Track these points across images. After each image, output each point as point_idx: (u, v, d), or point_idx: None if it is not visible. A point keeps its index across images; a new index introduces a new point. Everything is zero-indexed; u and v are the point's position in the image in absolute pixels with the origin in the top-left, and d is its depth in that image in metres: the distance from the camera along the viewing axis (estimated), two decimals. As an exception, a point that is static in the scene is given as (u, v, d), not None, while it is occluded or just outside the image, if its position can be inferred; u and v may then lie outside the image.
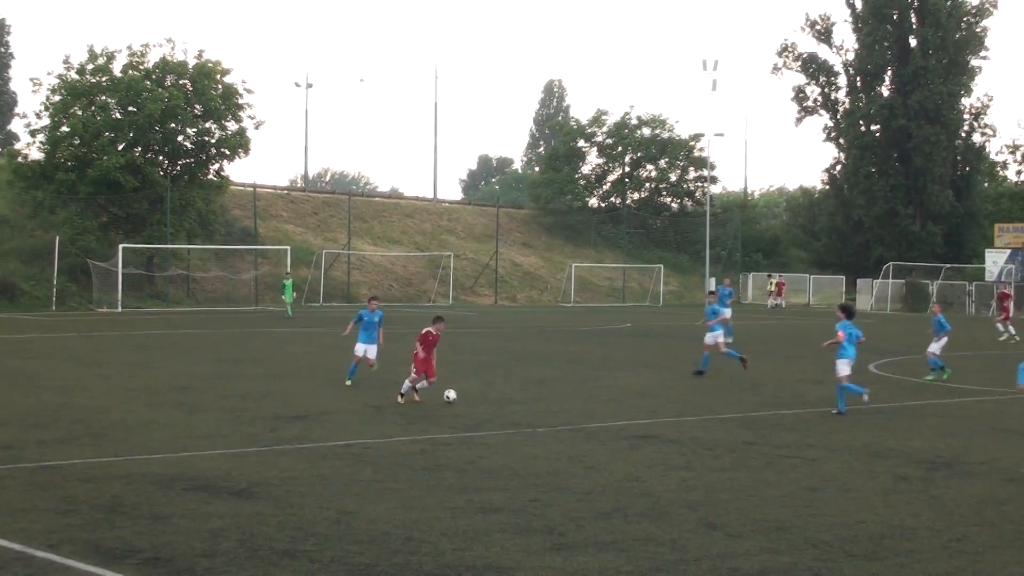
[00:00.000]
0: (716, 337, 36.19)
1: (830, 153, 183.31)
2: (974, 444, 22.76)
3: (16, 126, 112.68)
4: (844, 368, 27.28)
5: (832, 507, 16.87)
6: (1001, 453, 22.02)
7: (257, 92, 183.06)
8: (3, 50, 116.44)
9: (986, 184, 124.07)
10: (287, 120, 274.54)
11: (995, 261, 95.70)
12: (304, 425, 24.19)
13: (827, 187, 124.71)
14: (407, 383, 28.35)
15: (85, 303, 71.24)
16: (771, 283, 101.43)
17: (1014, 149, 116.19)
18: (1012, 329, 55.82)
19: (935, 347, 37.96)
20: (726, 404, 29.03)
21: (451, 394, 28.16)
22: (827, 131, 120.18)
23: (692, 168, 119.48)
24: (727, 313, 43.71)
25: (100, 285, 71.66)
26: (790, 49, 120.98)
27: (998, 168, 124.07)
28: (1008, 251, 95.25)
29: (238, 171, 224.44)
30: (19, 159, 77.35)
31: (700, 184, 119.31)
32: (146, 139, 76.37)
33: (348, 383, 31.41)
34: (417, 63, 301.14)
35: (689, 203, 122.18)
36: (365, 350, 32.08)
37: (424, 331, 28.46)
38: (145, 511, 15.84)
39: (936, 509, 16.88)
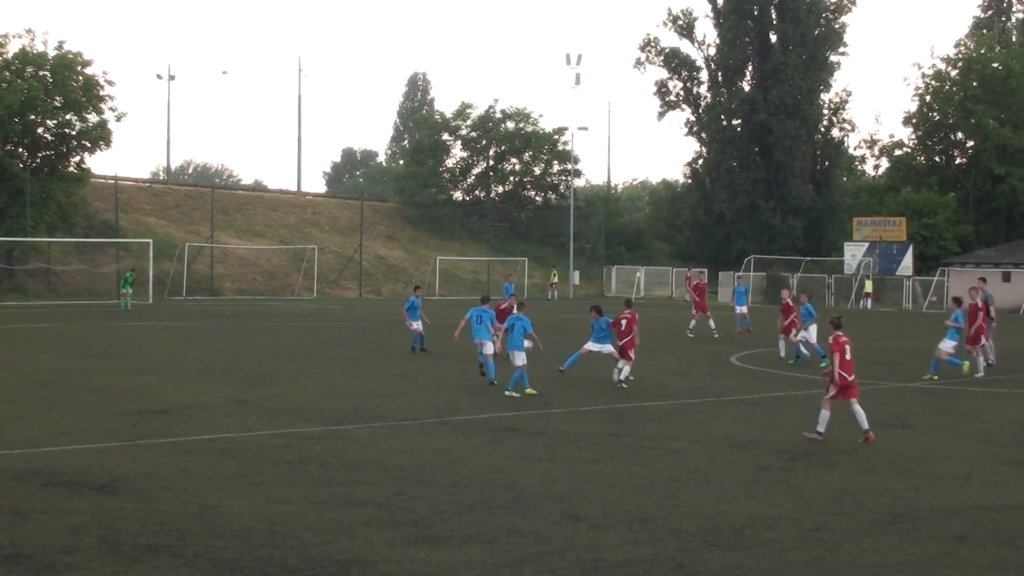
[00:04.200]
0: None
1: (692, 147, 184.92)
2: (832, 435, 23.07)
3: None
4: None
5: (694, 498, 17.06)
6: (858, 443, 22.37)
7: (119, 84, 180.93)
8: None
9: (845, 178, 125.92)
10: (149, 112, 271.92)
11: (853, 255, 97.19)
12: (167, 419, 23.99)
13: (689, 181, 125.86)
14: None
15: (-58, 297, 70.11)
16: (553, 275, 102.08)
17: (872, 143, 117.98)
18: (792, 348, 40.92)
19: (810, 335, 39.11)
20: (590, 397, 29.21)
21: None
22: (689, 125, 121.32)
23: (556, 162, 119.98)
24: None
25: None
26: (652, 44, 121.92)
27: (856, 163, 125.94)
28: (866, 244, 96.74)
29: (99, 164, 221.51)
30: None
31: (564, 177, 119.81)
32: (5, 131, 75.18)
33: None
34: (280, 55, 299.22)
35: (553, 196, 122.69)
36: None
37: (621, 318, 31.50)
38: (5, 507, 15.63)
39: (796, 499, 17.14)
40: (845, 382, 22.73)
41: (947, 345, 35.48)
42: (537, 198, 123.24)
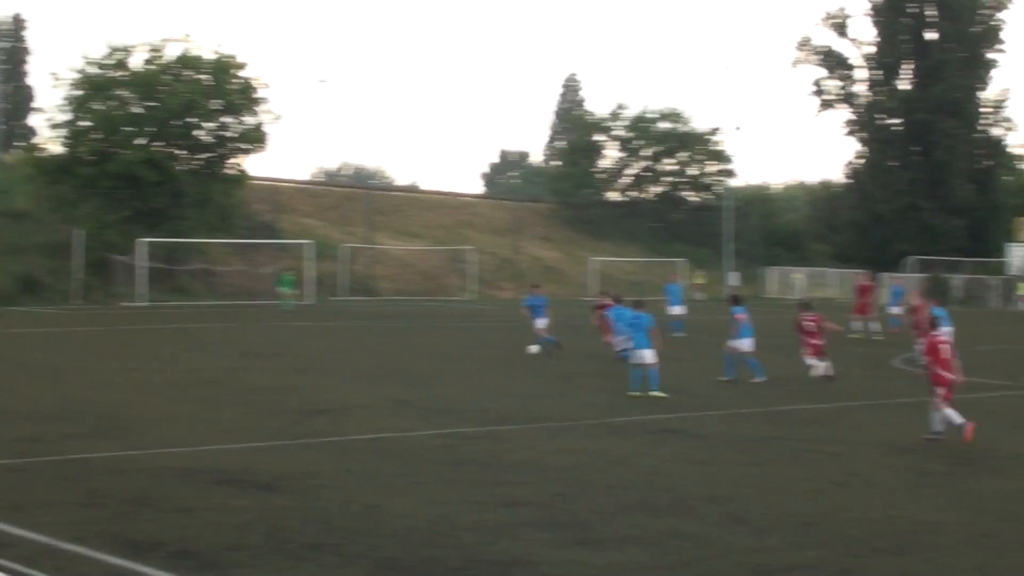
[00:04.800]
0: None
1: (850, 146, 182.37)
2: (1000, 439, 22.67)
3: (35, 120, 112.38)
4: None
5: (859, 502, 16.83)
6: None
7: (277, 86, 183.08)
8: (19, 45, 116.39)
9: (1010, 177, 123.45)
10: (307, 114, 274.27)
11: (1019, 255, 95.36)
12: (328, 419, 24.22)
13: (848, 181, 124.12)
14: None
15: (107, 297, 71.39)
16: (698, 275, 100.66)
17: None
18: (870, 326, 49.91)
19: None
20: (749, 398, 28.99)
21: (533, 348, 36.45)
22: (847, 124, 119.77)
23: (712, 162, 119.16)
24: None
25: (122, 279, 71.74)
26: (808, 43, 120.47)
27: (1015, 161, 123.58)
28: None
29: (259, 165, 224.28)
30: (39, 153, 77.38)
31: (720, 178, 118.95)
32: (165, 134, 76.43)
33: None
34: (438, 57, 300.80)
35: (709, 197, 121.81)
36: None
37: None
38: (172, 504, 15.88)
39: (962, 504, 16.84)
40: (946, 380, 22.38)
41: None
42: (693, 198, 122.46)
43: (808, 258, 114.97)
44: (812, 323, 32.29)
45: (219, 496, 16.50)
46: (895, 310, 53.96)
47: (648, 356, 29.04)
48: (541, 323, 40.48)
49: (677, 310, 51.01)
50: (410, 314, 66.41)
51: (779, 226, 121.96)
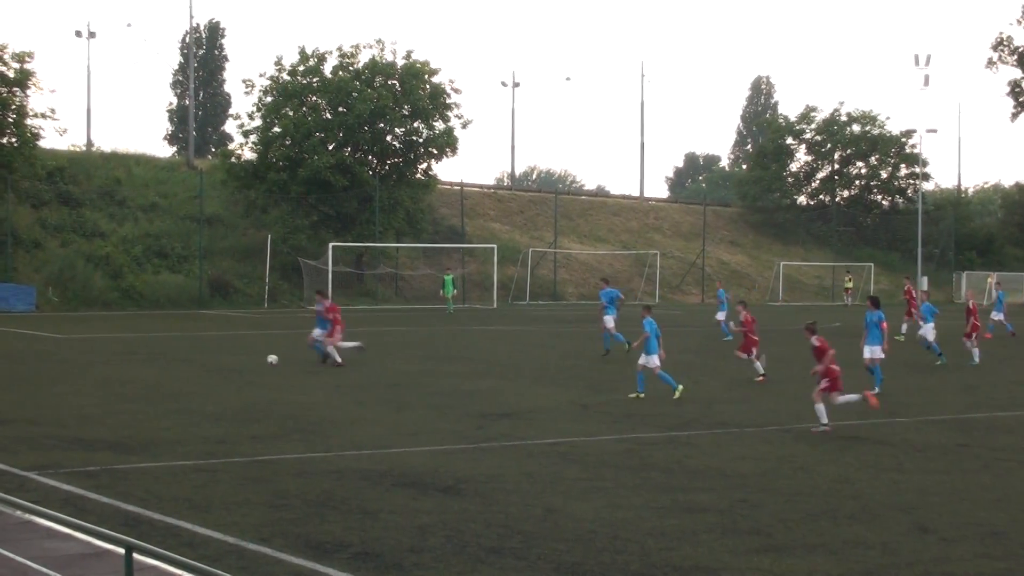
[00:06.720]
0: None
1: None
2: None
3: (229, 127, 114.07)
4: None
5: (1050, 512, 16.47)
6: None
7: (464, 91, 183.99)
8: (218, 53, 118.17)
9: None
10: (494, 119, 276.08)
11: None
12: (510, 423, 24.29)
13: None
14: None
15: (296, 300, 72.50)
16: (848, 279, 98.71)
17: None
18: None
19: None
20: (938, 406, 28.49)
21: (272, 358, 35.08)
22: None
23: (904, 165, 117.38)
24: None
25: (310, 283, 72.68)
26: (1005, 43, 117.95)
27: None
28: None
29: (445, 170, 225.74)
30: (232, 159, 78.67)
31: (912, 181, 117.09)
32: (355, 139, 77.23)
33: None
34: (623, 61, 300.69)
35: (900, 201, 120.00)
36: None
37: None
38: (354, 506, 16.04)
39: None
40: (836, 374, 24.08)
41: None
42: (884, 202, 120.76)
43: (1003, 262, 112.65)
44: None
45: (401, 498, 16.63)
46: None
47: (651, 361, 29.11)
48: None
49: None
50: (594, 318, 66.33)
51: (972, 230, 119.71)
